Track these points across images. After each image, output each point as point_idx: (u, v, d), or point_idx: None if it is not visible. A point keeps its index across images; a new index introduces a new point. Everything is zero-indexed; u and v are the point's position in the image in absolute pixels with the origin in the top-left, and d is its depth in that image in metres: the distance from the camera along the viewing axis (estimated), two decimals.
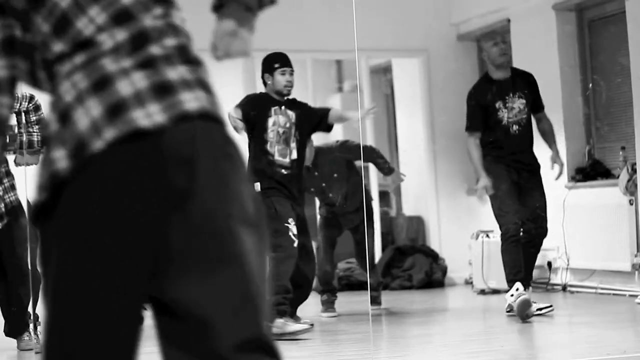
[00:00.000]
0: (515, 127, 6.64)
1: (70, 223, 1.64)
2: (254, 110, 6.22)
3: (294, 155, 6.24)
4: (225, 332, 1.64)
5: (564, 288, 7.99)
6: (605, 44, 8.04)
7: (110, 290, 1.63)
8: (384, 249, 9.22)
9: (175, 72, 1.69)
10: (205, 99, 1.69)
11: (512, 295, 6.39)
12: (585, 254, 7.06)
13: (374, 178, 9.29)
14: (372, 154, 7.22)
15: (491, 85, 6.72)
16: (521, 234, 6.57)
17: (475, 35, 9.29)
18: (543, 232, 6.70)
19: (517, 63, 8.62)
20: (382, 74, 10.70)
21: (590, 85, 8.15)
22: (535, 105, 6.78)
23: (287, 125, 6.25)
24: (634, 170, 7.28)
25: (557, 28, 8.15)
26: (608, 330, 5.91)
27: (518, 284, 6.39)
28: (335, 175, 6.95)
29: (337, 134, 10.56)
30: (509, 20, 8.70)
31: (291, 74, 6.30)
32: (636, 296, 7.04)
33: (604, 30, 8.06)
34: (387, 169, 7.26)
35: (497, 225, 6.73)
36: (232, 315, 1.64)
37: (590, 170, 7.96)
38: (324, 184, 6.92)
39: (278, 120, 6.24)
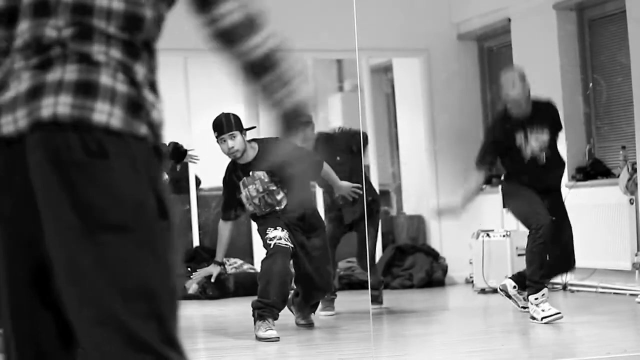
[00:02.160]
0: (543, 160, 6.35)
1: None
2: (230, 192, 6.19)
3: (285, 203, 6.11)
4: (84, 344, 1.66)
5: (565, 287, 8.00)
6: (606, 43, 8.04)
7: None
8: (384, 248, 9.22)
9: (57, 74, 1.66)
10: (68, 105, 1.64)
11: (537, 301, 6.18)
12: (586, 253, 7.06)
13: (374, 178, 9.30)
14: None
15: (511, 121, 6.37)
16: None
17: (476, 35, 9.30)
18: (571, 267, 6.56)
19: (517, 62, 8.63)
20: (383, 73, 10.70)
21: (591, 84, 8.16)
22: (555, 129, 6.48)
23: (261, 190, 6.09)
24: (634, 170, 7.29)
25: (557, 27, 8.15)
26: (608, 329, 5.91)
27: (545, 291, 6.21)
28: (338, 158, 6.94)
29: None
30: (509, 20, 8.71)
31: (233, 137, 6.00)
32: (636, 295, 7.05)
33: (605, 30, 8.07)
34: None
35: (525, 225, 6.35)
36: (90, 328, 1.65)
37: (591, 170, 7.96)
38: None
39: (249, 193, 6.11)
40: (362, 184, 6.54)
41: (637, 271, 7.39)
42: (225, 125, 6.00)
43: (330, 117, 10.89)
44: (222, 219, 6.27)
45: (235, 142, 6.01)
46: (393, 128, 10.55)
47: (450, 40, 9.36)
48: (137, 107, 1.69)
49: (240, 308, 7.26)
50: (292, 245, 5.99)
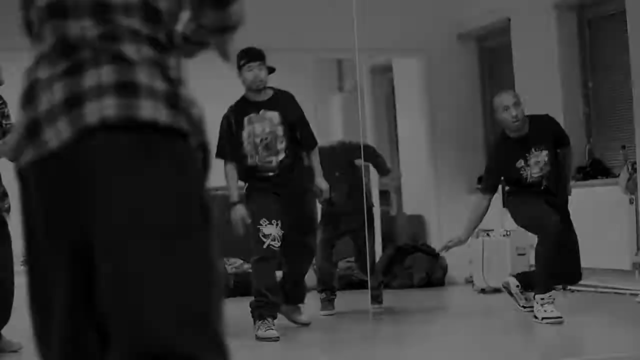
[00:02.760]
0: (545, 183, 6.31)
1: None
2: (231, 123, 6.05)
3: (282, 156, 6.04)
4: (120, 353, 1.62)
5: (564, 287, 7.99)
6: (606, 43, 8.05)
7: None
8: (384, 248, 9.22)
9: (94, 77, 1.63)
10: (114, 106, 1.61)
11: (542, 300, 6.14)
12: (586, 252, 7.04)
13: (374, 177, 9.30)
14: (371, 154, 7.21)
15: (510, 144, 6.33)
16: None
17: (476, 35, 9.30)
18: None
19: (517, 62, 8.63)
20: (383, 73, 10.71)
21: (591, 84, 8.16)
22: (558, 143, 6.39)
23: (268, 130, 6.02)
24: (634, 169, 7.29)
25: (557, 27, 8.15)
26: (608, 329, 5.92)
27: (552, 292, 6.16)
28: (337, 174, 6.90)
29: (337, 134, 10.58)
30: (509, 20, 8.71)
31: (260, 68, 6.00)
32: (636, 295, 7.05)
33: (605, 30, 8.07)
34: (385, 170, 7.27)
35: (535, 231, 6.31)
36: (129, 340, 1.61)
37: (591, 169, 7.97)
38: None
39: (253, 131, 6.03)
40: (363, 193, 6.53)
41: (637, 271, 7.39)
42: (258, 54, 6.02)
43: (330, 117, 10.90)
44: (225, 161, 6.04)
45: (262, 73, 6.02)
46: (393, 128, 10.56)
47: (450, 40, 9.36)
48: (176, 103, 1.66)
49: (240, 308, 7.26)
50: (281, 239, 5.95)
